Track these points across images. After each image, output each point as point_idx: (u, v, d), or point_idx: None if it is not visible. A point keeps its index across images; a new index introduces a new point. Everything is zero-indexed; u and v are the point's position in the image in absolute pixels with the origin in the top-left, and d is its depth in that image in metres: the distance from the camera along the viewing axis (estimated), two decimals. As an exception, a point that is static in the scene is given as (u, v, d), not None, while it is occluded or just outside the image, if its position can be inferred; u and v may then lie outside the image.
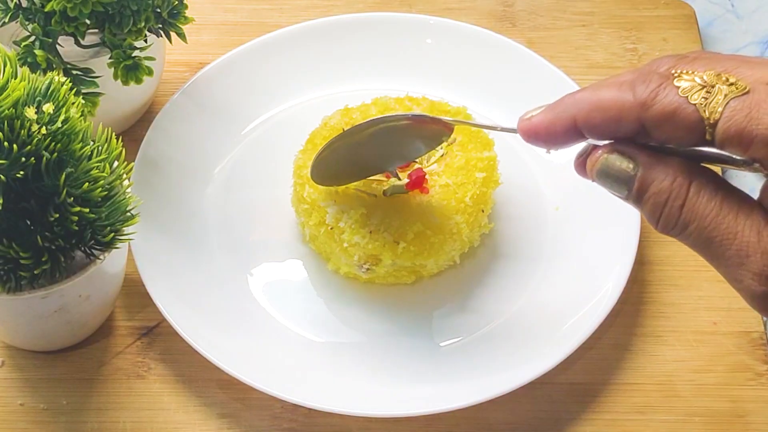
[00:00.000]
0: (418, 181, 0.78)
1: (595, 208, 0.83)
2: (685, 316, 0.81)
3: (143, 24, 0.77)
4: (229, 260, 0.82)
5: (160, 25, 0.80)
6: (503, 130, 0.62)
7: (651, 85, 0.51)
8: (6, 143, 0.62)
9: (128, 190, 0.71)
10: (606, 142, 0.54)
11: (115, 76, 0.78)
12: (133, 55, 0.78)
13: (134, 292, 0.80)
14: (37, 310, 0.71)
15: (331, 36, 0.93)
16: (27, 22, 0.76)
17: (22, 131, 0.62)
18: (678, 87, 0.50)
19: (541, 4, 1.00)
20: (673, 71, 0.51)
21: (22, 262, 0.66)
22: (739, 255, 0.52)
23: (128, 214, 0.70)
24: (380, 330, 0.79)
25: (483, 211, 0.79)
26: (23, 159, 0.63)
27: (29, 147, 0.63)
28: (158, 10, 0.79)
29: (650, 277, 0.83)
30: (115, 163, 0.70)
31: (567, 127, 0.54)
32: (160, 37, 0.81)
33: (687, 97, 0.50)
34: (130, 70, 0.78)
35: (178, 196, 0.84)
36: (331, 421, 0.75)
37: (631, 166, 0.54)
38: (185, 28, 0.81)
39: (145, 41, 0.79)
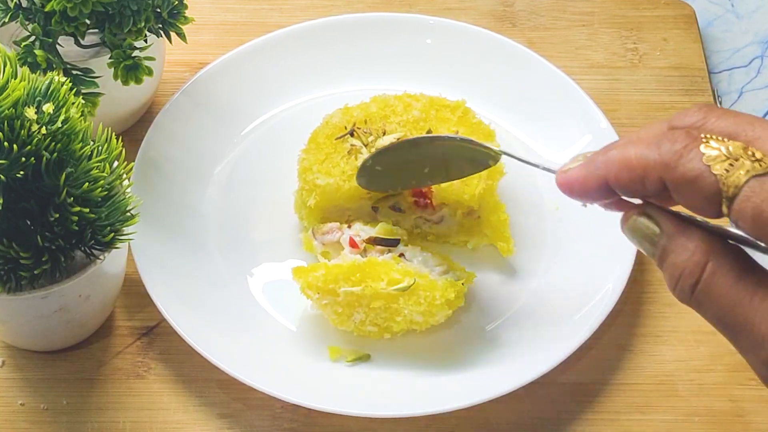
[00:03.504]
0: (421, 198, 0.81)
1: (595, 208, 0.83)
2: (685, 316, 0.81)
3: (143, 24, 0.77)
4: (229, 260, 0.82)
5: (160, 25, 0.80)
6: (545, 169, 0.61)
7: (677, 145, 0.49)
8: (6, 143, 0.62)
9: (128, 190, 0.71)
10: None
11: (115, 76, 0.78)
12: (133, 55, 0.78)
13: (134, 292, 0.80)
14: (37, 310, 0.71)
15: (331, 36, 0.93)
16: (27, 22, 0.76)
17: (22, 131, 0.62)
18: (703, 154, 0.49)
19: (541, 4, 1.00)
20: (702, 135, 0.49)
21: (22, 262, 0.66)
22: (753, 343, 0.50)
23: (128, 214, 0.70)
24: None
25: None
26: (23, 159, 0.63)
27: (29, 147, 0.63)
28: (158, 10, 0.79)
29: (650, 277, 0.83)
30: (115, 163, 0.70)
31: (599, 185, 0.53)
32: (160, 37, 0.81)
33: (710, 166, 0.48)
34: (130, 70, 0.78)
35: (178, 196, 0.84)
36: (331, 421, 0.75)
37: (657, 231, 0.53)
38: (185, 28, 0.81)
39: (145, 41, 0.79)
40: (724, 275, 0.51)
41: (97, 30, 0.78)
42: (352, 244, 0.77)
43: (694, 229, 0.52)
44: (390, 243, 0.77)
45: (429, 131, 0.81)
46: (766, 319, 0.50)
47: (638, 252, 0.80)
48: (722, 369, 0.78)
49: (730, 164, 0.48)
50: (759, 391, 0.77)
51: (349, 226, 0.79)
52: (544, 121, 0.89)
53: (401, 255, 0.77)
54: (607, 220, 0.82)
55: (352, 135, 0.80)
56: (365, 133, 0.80)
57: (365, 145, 0.79)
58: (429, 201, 0.80)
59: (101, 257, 0.71)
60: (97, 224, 0.68)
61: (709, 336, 0.80)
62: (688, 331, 0.80)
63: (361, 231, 0.78)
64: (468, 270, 0.79)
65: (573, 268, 0.81)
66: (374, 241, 0.77)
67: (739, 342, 0.50)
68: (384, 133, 0.80)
